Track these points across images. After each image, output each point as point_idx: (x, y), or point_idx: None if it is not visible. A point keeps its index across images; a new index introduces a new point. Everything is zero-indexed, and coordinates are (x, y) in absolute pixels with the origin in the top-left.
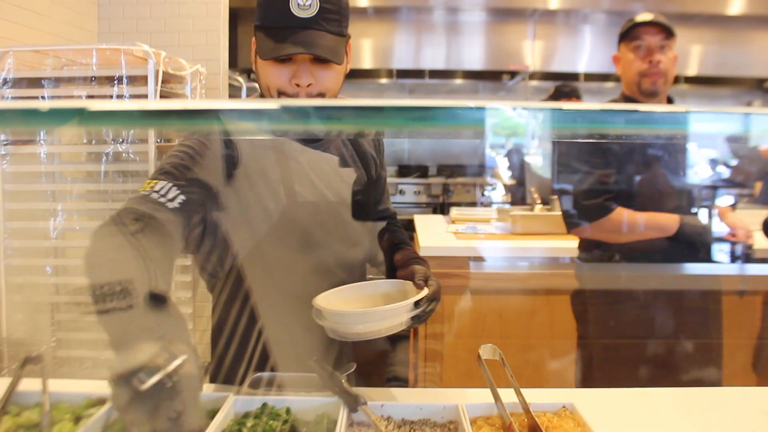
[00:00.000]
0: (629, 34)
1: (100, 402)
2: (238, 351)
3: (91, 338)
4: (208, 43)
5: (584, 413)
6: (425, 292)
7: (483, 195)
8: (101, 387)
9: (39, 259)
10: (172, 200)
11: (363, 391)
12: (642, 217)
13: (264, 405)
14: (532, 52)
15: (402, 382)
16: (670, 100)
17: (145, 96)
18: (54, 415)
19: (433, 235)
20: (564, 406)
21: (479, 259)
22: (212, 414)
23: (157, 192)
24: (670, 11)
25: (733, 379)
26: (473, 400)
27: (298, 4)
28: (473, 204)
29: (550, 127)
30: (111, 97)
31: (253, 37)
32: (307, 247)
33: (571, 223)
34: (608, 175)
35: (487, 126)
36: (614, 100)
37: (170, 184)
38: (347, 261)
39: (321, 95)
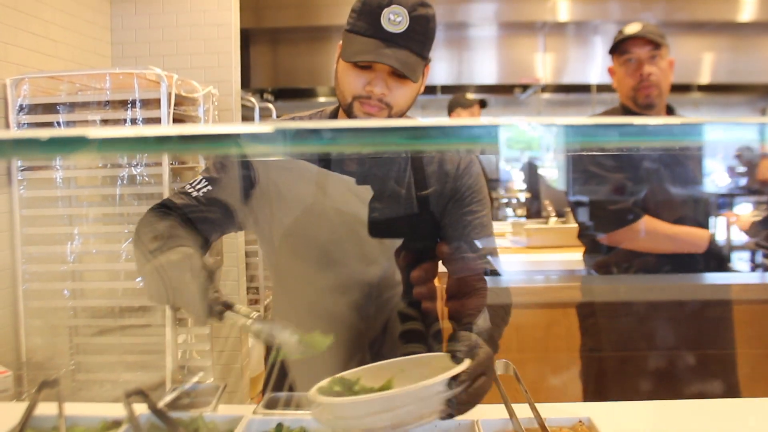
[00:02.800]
0: (619, 47)
1: (115, 425)
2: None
3: (110, 361)
4: (220, 64)
5: (601, 427)
6: (464, 365)
7: (499, 210)
8: (116, 409)
9: (57, 283)
10: (199, 190)
11: None
12: (672, 230)
13: (279, 425)
14: (543, 64)
15: None
16: (670, 109)
17: (158, 119)
18: None
19: None
20: (580, 421)
21: (495, 273)
22: None
23: (190, 184)
24: (680, 19)
25: (753, 390)
26: (489, 416)
27: (389, 19)
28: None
29: (558, 141)
30: (125, 120)
31: (340, 42)
32: (322, 265)
33: (586, 233)
34: (629, 182)
35: (498, 141)
36: (609, 111)
37: (201, 177)
38: (363, 279)
39: (390, 107)
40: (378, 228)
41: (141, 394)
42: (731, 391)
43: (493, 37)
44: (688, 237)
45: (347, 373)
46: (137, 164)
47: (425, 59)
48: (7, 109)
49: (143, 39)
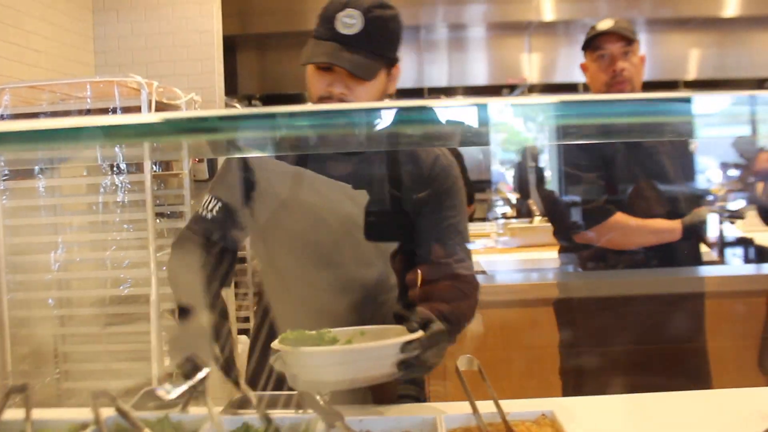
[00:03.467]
0: (591, 43)
1: (82, 427)
2: (258, 364)
3: (97, 369)
4: (204, 71)
5: (564, 420)
6: (417, 334)
7: (488, 210)
8: (84, 413)
9: (41, 292)
10: (210, 210)
11: (346, 409)
12: (643, 223)
13: (245, 425)
14: (529, 64)
15: (413, 399)
16: None
17: None
18: None
19: None
20: (543, 414)
21: (480, 272)
22: None
23: (203, 207)
24: (665, 16)
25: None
26: (454, 412)
27: (343, 23)
28: (483, 219)
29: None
30: None
31: None
32: (319, 266)
33: (560, 232)
34: (607, 179)
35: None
36: None
37: (211, 196)
38: (359, 280)
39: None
40: (372, 231)
41: (108, 396)
42: (703, 383)
43: (481, 38)
44: (658, 228)
45: (309, 331)
46: (119, 172)
47: (386, 59)
48: None
49: (126, 47)
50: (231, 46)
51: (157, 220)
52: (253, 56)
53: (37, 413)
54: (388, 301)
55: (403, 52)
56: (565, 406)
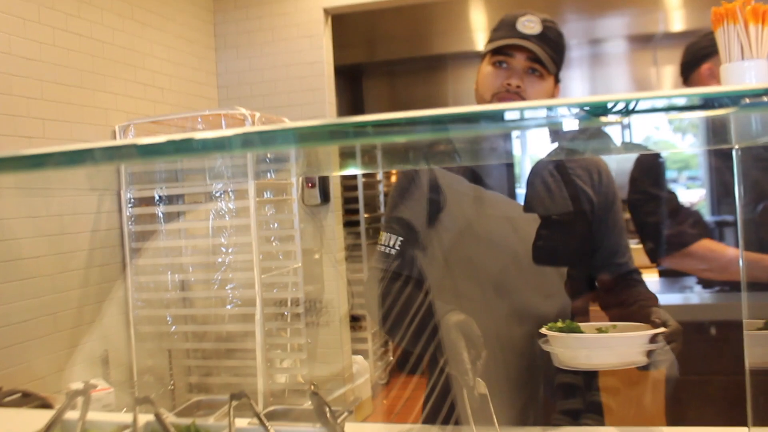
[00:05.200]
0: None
1: (124, 428)
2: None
3: (207, 382)
4: (316, 100)
5: None
6: (662, 329)
7: None
8: (129, 417)
9: (161, 310)
10: (392, 247)
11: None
12: (737, 254)
13: None
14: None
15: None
16: None
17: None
18: None
19: None
20: None
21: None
22: None
23: (383, 244)
24: None
25: None
26: None
27: (524, 24)
28: None
29: None
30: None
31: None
32: (499, 293)
33: (653, 253)
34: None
35: None
36: None
37: (389, 234)
38: (540, 311)
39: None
40: (546, 256)
41: (150, 402)
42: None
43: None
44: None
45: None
46: (223, 198)
47: (557, 66)
48: None
49: (246, 81)
50: (357, 75)
51: (274, 243)
52: (380, 82)
53: (91, 415)
54: None
55: None
56: None
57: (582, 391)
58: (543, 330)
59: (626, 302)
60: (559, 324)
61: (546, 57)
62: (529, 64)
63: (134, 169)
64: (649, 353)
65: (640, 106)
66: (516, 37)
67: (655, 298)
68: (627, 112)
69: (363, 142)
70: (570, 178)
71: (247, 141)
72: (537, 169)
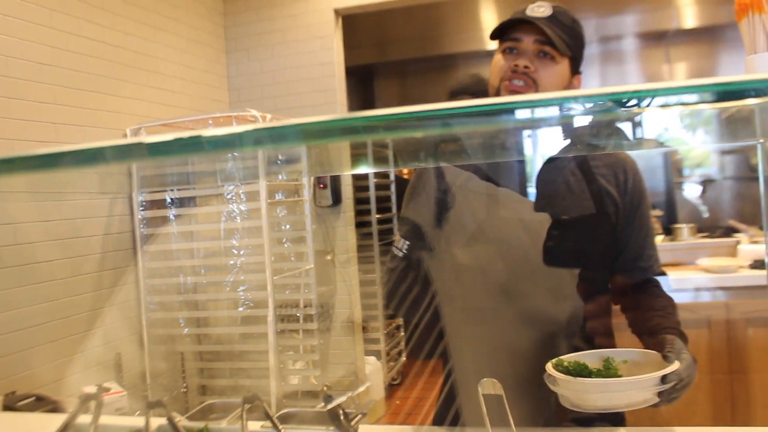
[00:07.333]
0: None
1: (137, 431)
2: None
3: (221, 384)
4: (327, 101)
5: None
6: (675, 366)
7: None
8: (142, 421)
9: (173, 312)
10: (400, 249)
11: None
12: None
13: None
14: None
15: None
16: None
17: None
18: None
19: None
20: None
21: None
22: None
23: (396, 246)
24: None
25: None
26: None
27: (533, 9)
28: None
29: None
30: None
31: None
32: (507, 296)
33: None
34: None
35: None
36: None
37: (398, 233)
38: (551, 315)
39: (536, 84)
40: (558, 256)
41: (162, 406)
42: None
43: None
44: None
45: (568, 357)
46: (235, 201)
47: (571, 51)
48: None
49: (257, 83)
50: (369, 75)
51: (286, 244)
52: (392, 82)
53: (104, 419)
54: (576, 335)
55: None
56: None
57: None
58: (549, 368)
59: (641, 309)
60: (565, 363)
61: (557, 38)
62: (538, 46)
63: (145, 172)
64: (660, 392)
65: (660, 99)
66: (525, 22)
67: (672, 306)
68: (648, 101)
69: (373, 138)
70: (593, 176)
71: (256, 138)
72: (553, 167)
